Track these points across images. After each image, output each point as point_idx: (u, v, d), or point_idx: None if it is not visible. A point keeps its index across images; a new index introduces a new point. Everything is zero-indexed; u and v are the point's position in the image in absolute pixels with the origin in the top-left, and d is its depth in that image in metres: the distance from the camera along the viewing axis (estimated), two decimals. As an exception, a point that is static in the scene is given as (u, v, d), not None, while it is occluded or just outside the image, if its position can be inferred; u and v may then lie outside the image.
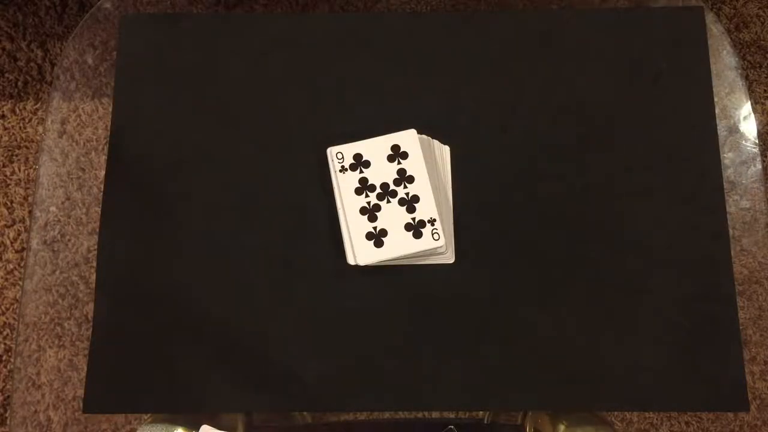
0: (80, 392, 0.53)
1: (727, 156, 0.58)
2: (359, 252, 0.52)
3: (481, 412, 0.55)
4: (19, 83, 1.10)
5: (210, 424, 0.50)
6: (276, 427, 0.56)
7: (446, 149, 0.57)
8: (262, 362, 0.52)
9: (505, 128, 0.58)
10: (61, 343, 0.54)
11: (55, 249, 0.56)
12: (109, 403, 0.52)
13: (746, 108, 0.59)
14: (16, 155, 1.08)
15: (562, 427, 0.53)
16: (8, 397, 0.97)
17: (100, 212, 0.56)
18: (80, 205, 0.57)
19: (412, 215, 0.52)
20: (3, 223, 1.04)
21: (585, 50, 0.60)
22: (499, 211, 0.56)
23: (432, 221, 0.52)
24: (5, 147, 1.08)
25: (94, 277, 0.55)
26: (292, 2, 0.79)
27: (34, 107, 1.10)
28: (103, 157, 0.58)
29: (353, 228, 0.52)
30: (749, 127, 0.59)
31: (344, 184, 0.53)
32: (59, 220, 0.57)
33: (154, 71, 0.59)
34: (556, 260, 0.54)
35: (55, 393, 0.53)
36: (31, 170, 1.07)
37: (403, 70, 0.59)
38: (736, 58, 0.60)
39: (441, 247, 0.52)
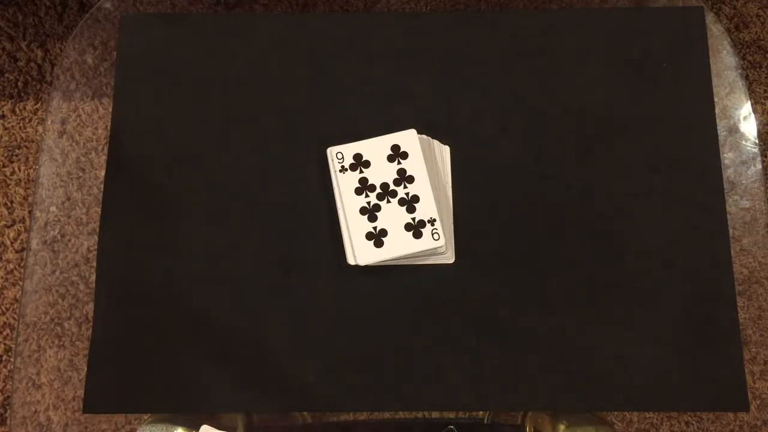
0: (80, 392, 0.53)
1: (727, 156, 0.58)
2: (359, 252, 0.52)
3: (481, 412, 0.55)
4: (19, 83, 1.10)
5: (210, 424, 0.50)
6: (276, 427, 0.56)
7: (446, 149, 0.57)
8: (262, 362, 0.52)
9: (505, 128, 0.58)
10: (61, 343, 0.54)
11: (55, 249, 0.56)
12: (109, 403, 0.52)
13: (746, 108, 0.59)
14: (16, 155, 1.08)
15: (562, 427, 0.53)
16: (8, 397, 0.97)
17: (100, 212, 0.56)
18: (80, 205, 0.57)
19: (412, 215, 0.52)
20: (3, 223, 1.04)
21: (585, 50, 0.60)
22: (499, 211, 0.56)
23: (432, 221, 0.52)
24: (5, 147, 1.08)
25: (94, 277, 0.55)
26: (292, 2, 0.79)
27: (34, 107, 1.10)
28: (103, 157, 0.58)
29: (353, 228, 0.52)
30: (749, 127, 0.59)
31: (344, 184, 0.53)
32: (59, 220, 0.57)
33: (153, 71, 0.59)
34: (556, 260, 0.54)
35: (55, 393, 0.53)
36: (31, 170, 1.07)
37: (403, 70, 0.59)
38: (736, 58, 0.60)
39: (441, 247, 0.52)
